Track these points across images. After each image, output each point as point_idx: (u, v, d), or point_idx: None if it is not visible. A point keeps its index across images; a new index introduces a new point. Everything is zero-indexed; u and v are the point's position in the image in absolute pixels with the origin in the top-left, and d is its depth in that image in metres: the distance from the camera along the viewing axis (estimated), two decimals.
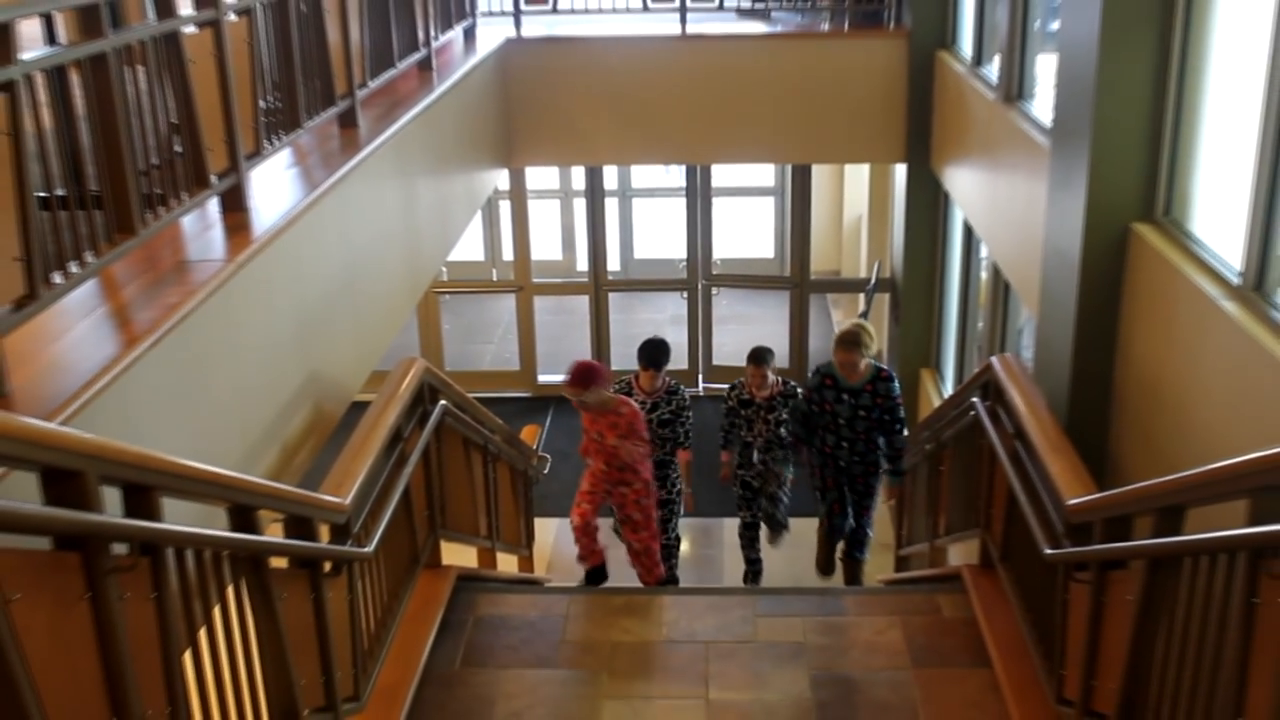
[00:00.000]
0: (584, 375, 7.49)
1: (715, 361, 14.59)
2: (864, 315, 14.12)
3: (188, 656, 3.65)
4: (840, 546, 9.11)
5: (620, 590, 7.55)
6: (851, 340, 8.07)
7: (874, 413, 8.21)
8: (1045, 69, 8.29)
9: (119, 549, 3.23)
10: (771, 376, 8.94)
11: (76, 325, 4.29)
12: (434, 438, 6.93)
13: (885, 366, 8.48)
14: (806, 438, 8.63)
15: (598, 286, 14.51)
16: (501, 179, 13.14)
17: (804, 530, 9.27)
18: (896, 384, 8.32)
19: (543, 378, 14.58)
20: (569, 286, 16.17)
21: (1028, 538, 5.58)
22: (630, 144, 12.43)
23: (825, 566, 9.13)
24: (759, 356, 8.95)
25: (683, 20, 12.24)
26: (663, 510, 8.80)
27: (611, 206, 16.73)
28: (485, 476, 8.04)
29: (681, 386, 8.98)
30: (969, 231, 10.96)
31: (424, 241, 8.46)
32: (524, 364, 14.68)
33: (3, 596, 2.68)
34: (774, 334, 14.77)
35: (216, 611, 3.90)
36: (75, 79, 4.36)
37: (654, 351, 8.74)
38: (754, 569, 9.83)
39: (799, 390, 8.96)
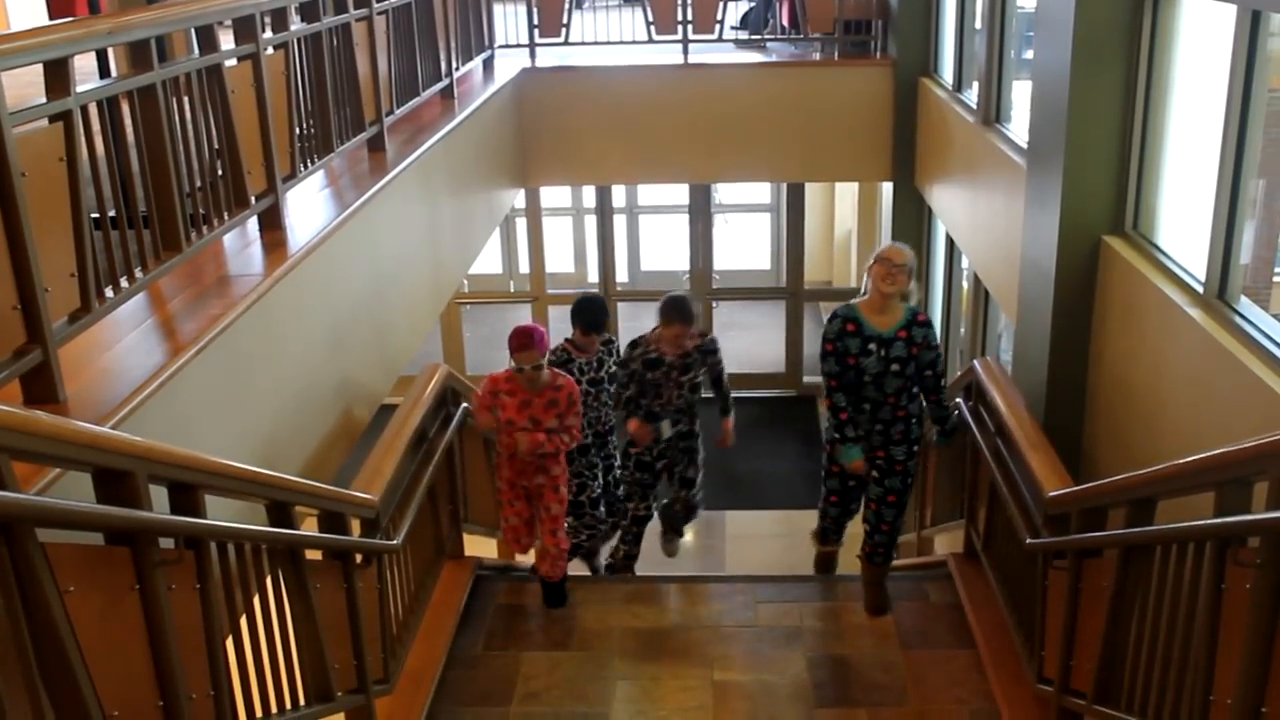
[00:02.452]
0: (530, 337, 6.11)
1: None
2: None
3: (229, 642, 3.65)
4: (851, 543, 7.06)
5: (629, 579, 7.52)
6: (899, 261, 6.02)
7: (909, 366, 6.04)
8: (1021, 94, 8.27)
9: (166, 543, 3.22)
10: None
11: (126, 336, 4.28)
12: (456, 438, 6.93)
13: (921, 310, 6.31)
14: (849, 405, 6.18)
15: (607, 296, 14.44)
16: (518, 198, 13.14)
17: (801, 521, 9.16)
18: (935, 329, 6.40)
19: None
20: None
21: (1009, 528, 5.56)
22: (637, 165, 12.42)
23: (826, 565, 7.24)
24: (683, 311, 6.98)
25: (685, 51, 12.28)
26: (598, 502, 7.78)
27: (620, 223, 16.72)
28: None
29: (612, 338, 7.78)
30: (951, 244, 10.94)
31: (446, 256, 8.45)
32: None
33: (59, 588, 2.68)
34: (770, 340, 14.80)
35: (256, 601, 3.90)
36: (125, 109, 4.36)
37: (595, 313, 7.45)
38: (628, 562, 7.93)
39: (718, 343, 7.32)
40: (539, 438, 6.31)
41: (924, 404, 6.37)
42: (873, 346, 6.00)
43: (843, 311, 6.13)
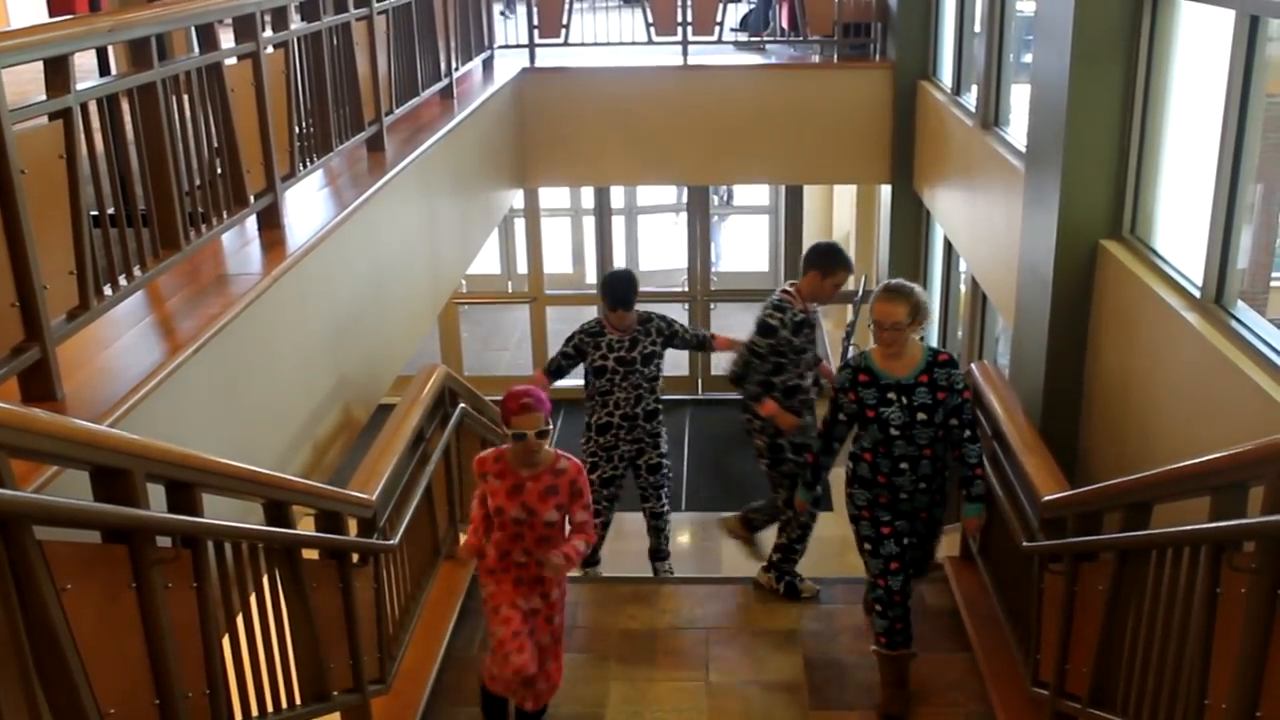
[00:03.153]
0: (533, 396, 5.08)
1: (714, 372, 14.52)
2: (852, 325, 14.08)
3: (226, 641, 3.65)
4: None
5: (628, 580, 7.51)
6: (896, 291, 5.39)
7: (937, 413, 5.33)
8: (1019, 98, 8.28)
9: (163, 542, 3.22)
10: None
11: (125, 334, 4.29)
12: (454, 438, 6.94)
13: (943, 350, 5.58)
14: (824, 449, 5.75)
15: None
16: (517, 198, 13.14)
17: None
18: (959, 371, 5.51)
19: (554, 384, 14.47)
20: (579, 298, 16.12)
21: (1005, 532, 5.56)
22: (636, 166, 12.43)
23: (893, 705, 5.61)
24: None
25: (685, 52, 12.26)
26: (654, 476, 7.56)
27: (618, 224, 16.73)
28: None
29: (650, 312, 7.46)
30: (949, 247, 10.95)
31: (445, 256, 8.45)
32: (537, 369, 14.63)
33: (56, 585, 2.68)
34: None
35: (253, 599, 3.90)
36: (125, 107, 4.36)
37: (628, 289, 7.27)
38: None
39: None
40: (567, 554, 5.12)
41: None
42: (892, 395, 5.30)
43: (854, 360, 5.48)
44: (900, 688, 5.60)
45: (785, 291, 6.58)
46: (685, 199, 14.77)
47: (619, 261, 15.82)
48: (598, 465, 7.39)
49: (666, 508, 7.77)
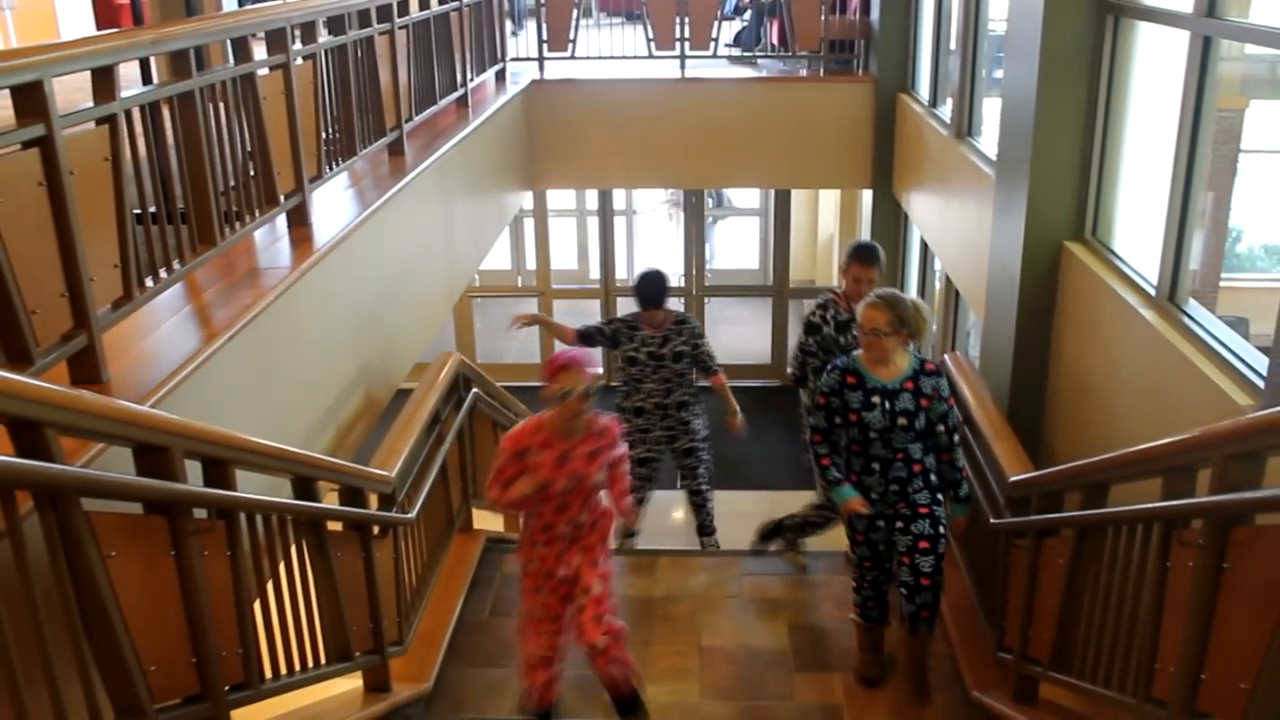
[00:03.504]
0: (575, 358, 4.74)
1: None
2: None
3: (257, 605, 3.67)
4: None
5: (624, 551, 7.53)
6: (881, 300, 5.08)
7: (917, 419, 5.03)
8: (990, 110, 8.28)
9: (199, 513, 3.24)
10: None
11: (165, 322, 4.30)
12: (467, 420, 6.95)
13: (930, 359, 5.25)
14: (833, 452, 5.21)
15: (608, 291, 14.53)
16: (526, 199, 13.14)
17: (784, 501, 9.12)
18: (946, 380, 5.23)
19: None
20: (583, 291, 16.10)
21: (974, 510, 5.57)
22: (637, 170, 12.42)
23: (869, 669, 5.59)
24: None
25: (682, 66, 12.27)
26: (688, 459, 7.37)
27: (620, 224, 16.73)
28: None
29: (687, 314, 7.53)
30: (925, 248, 10.95)
31: (459, 252, 8.45)
32: (544, 357, 14.65)
33: (102, 553, 2.70)
34: (758, 334, 14.79)
35: (282, 567, 3.92)
36: (166, 113, 4.37)
37: (656, 289, 7.17)
38: None
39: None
40: (626, 507, 5.10)
41: (936, 462, 5.25)
42: (876, 399, 5.02)
43: (842, 363, 5.16)
44: (875, 653, 5.56)
45: (832, 292, 6.51)
46: (672, 197, 14.73)
47: (620, 258, 15.80)
48: (633, 445, 7.14)
49: (705, 487, 7.51)
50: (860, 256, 6.23)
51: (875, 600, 5.45)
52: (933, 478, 5.18)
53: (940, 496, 5.20)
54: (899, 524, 5.16)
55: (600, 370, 4.81)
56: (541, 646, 4.99)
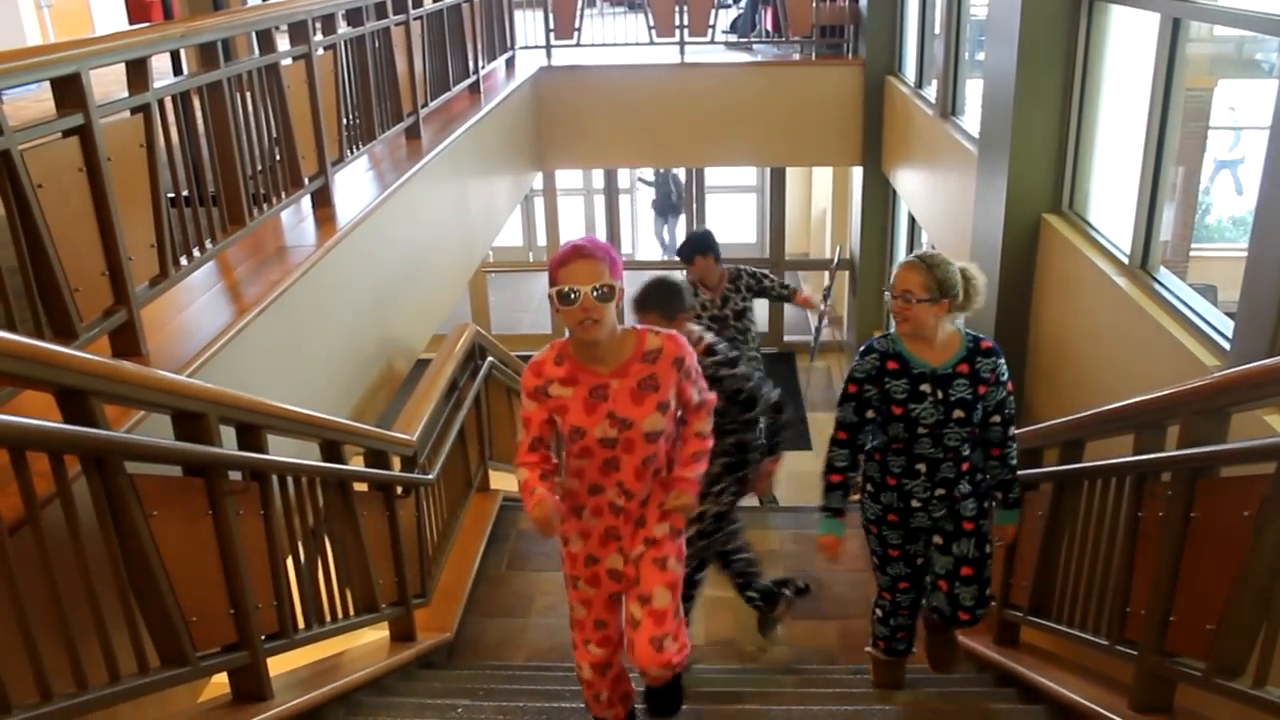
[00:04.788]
0: (583, 245, 3.04)
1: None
2: (829, 290, 14.09)
3: (289, 561, 3.70)
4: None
5: None
6: (918, 260, 3.74)
7: (974, 411, 3.78)
8: (973, 91, 8.26)
9: (234, 475, 3.27)
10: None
11: (199, 298, 4.31)
12: (483, 387, 6.97)
13: (985, 336, 3.90)
14: (850, 463, 3.98)
15: None
16: (536, 180, 13.13)
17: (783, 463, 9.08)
18: (1004, 361, 3.86)
19: None
20: None
21: None
22: (639, 151, 12.40)
23: (888, 680, 4.43)
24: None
25: (682, 51, 12.24)
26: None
27: (624, 202, 16.71)
28: None
29: (740, 268, 6.66)
30: (912, 221, 10.94)
31: (474, 230, 8.45)
32: (555, 328, 14.66)
33: (145, 512, 2.73)
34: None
35: (312, 525, 3.95)
36: (196, 102, 4.37)
37: (685, 246, 6.48)
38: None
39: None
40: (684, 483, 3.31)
41: (985, 457, 3.99)
42: (926, 388, 3.74)
43: (880, 344, 3.83)
44: (895, 685, 4.44)
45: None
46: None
47: (625, 233, 15.78)
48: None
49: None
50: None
51: (906, 631, 4.26)
52: (980, 478, 3.97)
53: (986, 504, 4.00)
54: (938, 539, 4.01)
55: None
56: (590, 658, 3.49)
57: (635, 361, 3.17)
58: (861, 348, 3.86)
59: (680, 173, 16.75)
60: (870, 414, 3.85)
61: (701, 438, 3.37)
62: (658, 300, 4.31)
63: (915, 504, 3.92)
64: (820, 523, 4.03)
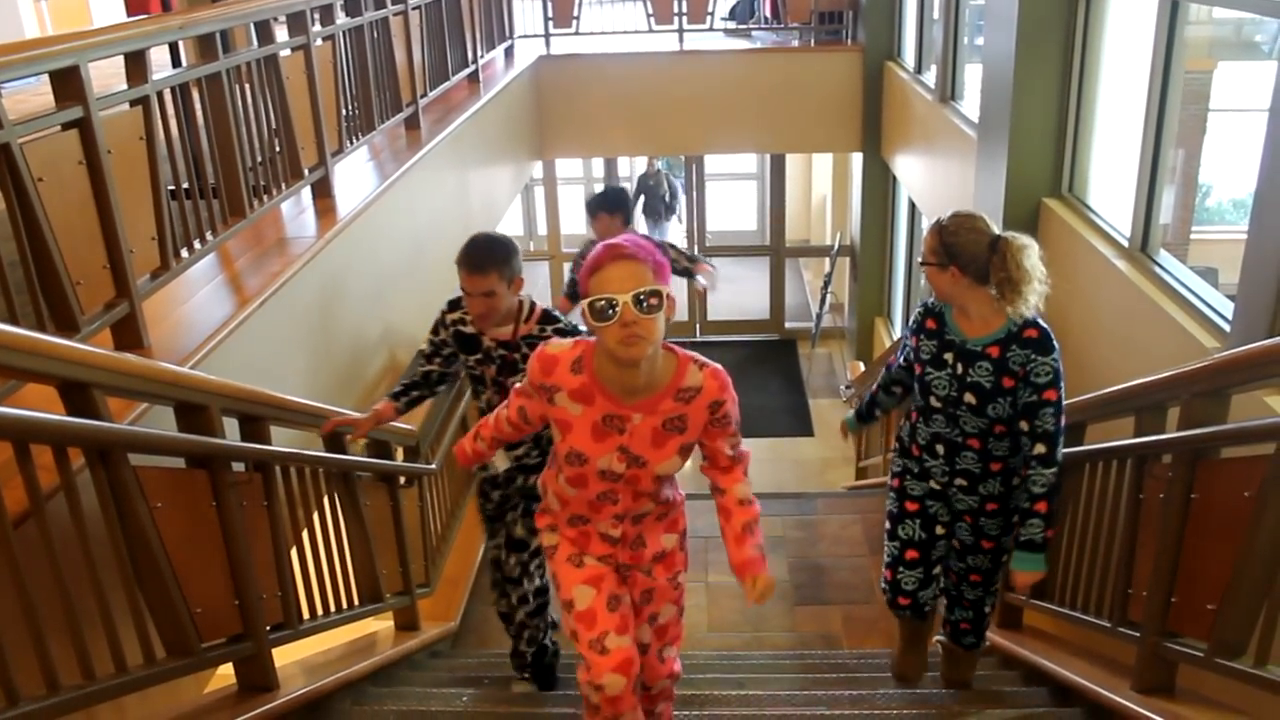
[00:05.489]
0: (641, 246, 2.51)
1: (710, 317, 14.51)
2: (829, 277, 14.09)
3: (294, 551, 3.71)
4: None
5: None
6: (936, 223, 3.38)
7: (995, 404, 3.32)
8: (972, 76, 8.24)
9: (238, 467, 3.27)
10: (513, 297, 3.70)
11: (200, 290, 4.32)
12: None
13: (1039, 322, 3.34)
14: (867, 412, 4.00)
15: None
16: (536, 168, 13.12)
17: (783, 449, 9.12)
18: (1057, 354, 3.31)
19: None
20: None
21: None
22: (638, 139, 12.39)
23: (906, 668, 4.10)
24: (482, 256, 3.58)
25: (680, 39, 12.21)
26: None
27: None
28: None
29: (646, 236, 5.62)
30: (912, 206, 10.93)
31: (474, 219, 8.45)
32: (559, 297, 14.64)
33: (149, 504, 2.73)
34: (756, 291, 14.76)
35: (315, 516, 3.96)
36: (195, 94, 4.37)
37: (594, 202, 5.78)
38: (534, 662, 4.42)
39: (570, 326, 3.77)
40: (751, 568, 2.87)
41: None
42: (949, 357, 3.39)
43: (932, 303, 3.51)
44: (915, 646, 4.07)
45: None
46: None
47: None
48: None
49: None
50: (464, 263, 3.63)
51: (916, 599, 3.76)
52: (1015, 482, 3.49)
53: (1015, 519, 3.48)
54: (955, 543, 3.68)
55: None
56: (610, 660, 2.88)
57: (667, 399, 2.65)
58: (919, 307, 3.59)
59: (662, 165, 16.72)
60: (903, 361, 3.67)
61: (746, 505, 2.92)
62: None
63: (935, 485, 3.59)
64: (849, 420, 4.15)
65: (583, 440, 2.70)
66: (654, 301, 2.44)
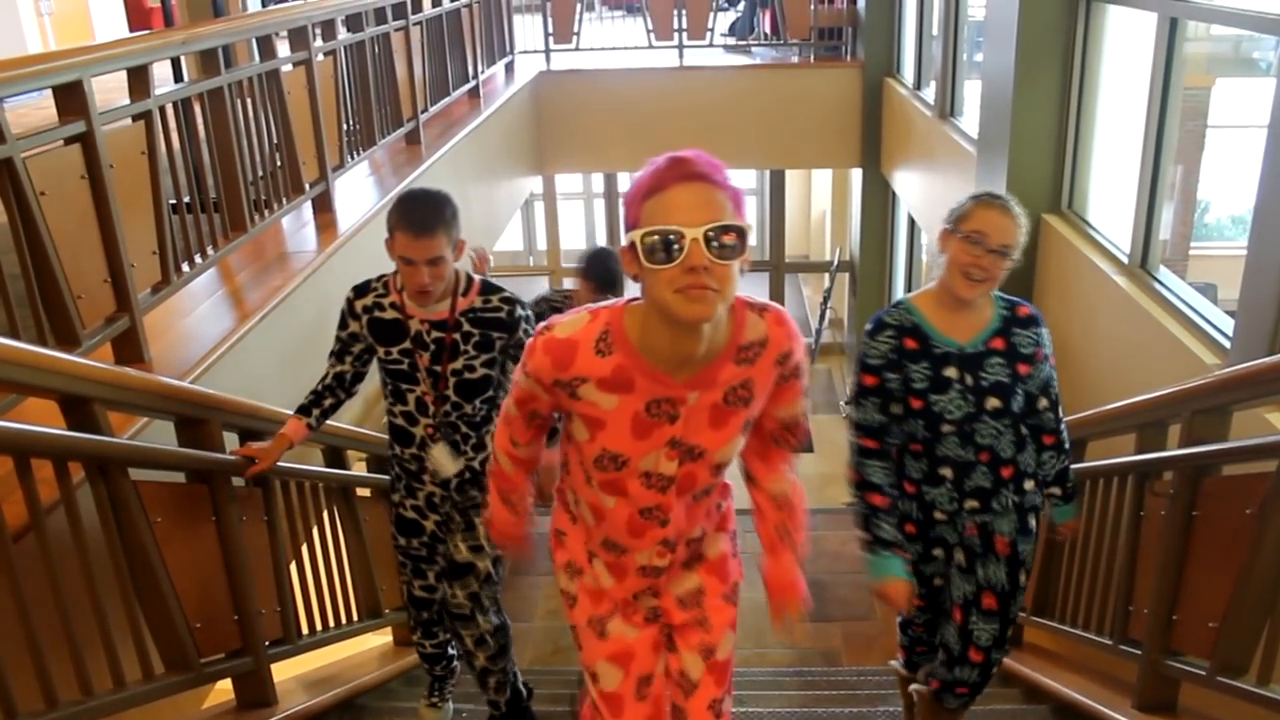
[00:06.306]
0: (714, 164, 1.90)
1: None
2: (828, 292, 14.10)
3: (293, 566, 3.70)
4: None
5: None
6: (998, 243, 2.83)
7: (1014, 398, 2.90)
8: (971, 92, 8.26)
9: (238, 482, 3.27)
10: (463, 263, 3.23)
11: (201, 304, 4.31)
12: None
13: (1021, 301, 3.10)
14: (889, 481, 2.96)
15: None
16: (536, 184, 13.13)
17: None
18: (1047, 330, 3.05)
19: None
20: None
21: None
22: (639, 155, 12.28)
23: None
24: (428, 215, 3.04)
25: (680, 55, 12.23)
26: None
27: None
28: None
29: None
30: (912, 222, 10.95)
31: (474, 234, 8.40)
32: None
33: (149, 518, 2.73)
34: None
35: (315, 531, 3.95)
36: (197, 108, 4.38)
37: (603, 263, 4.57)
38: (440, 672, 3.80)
39: (529, 309, 3.26)
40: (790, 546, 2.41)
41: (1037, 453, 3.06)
42: (951, 373, 2.87)
43: (894, 316, 2.94)
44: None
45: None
46: None
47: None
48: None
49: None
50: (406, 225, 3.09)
51: (928, 645, 3.40)
52: (1028, 486, 3.02)
53: (1032, 522, 3.07)
54: (961, 557, 3.07)
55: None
56: None
57: (728, 363, 2.01)
58: (869, 324, 2.98)
59: None
60: (896, 409, 2.91)
61: (786, 500, 2.37)
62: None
63: (939, 516, 3.00)
64: (872, 563, 2.92)
65: (620, 438, 2.03)
66: (731, 241, 1.80)
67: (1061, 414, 3.10)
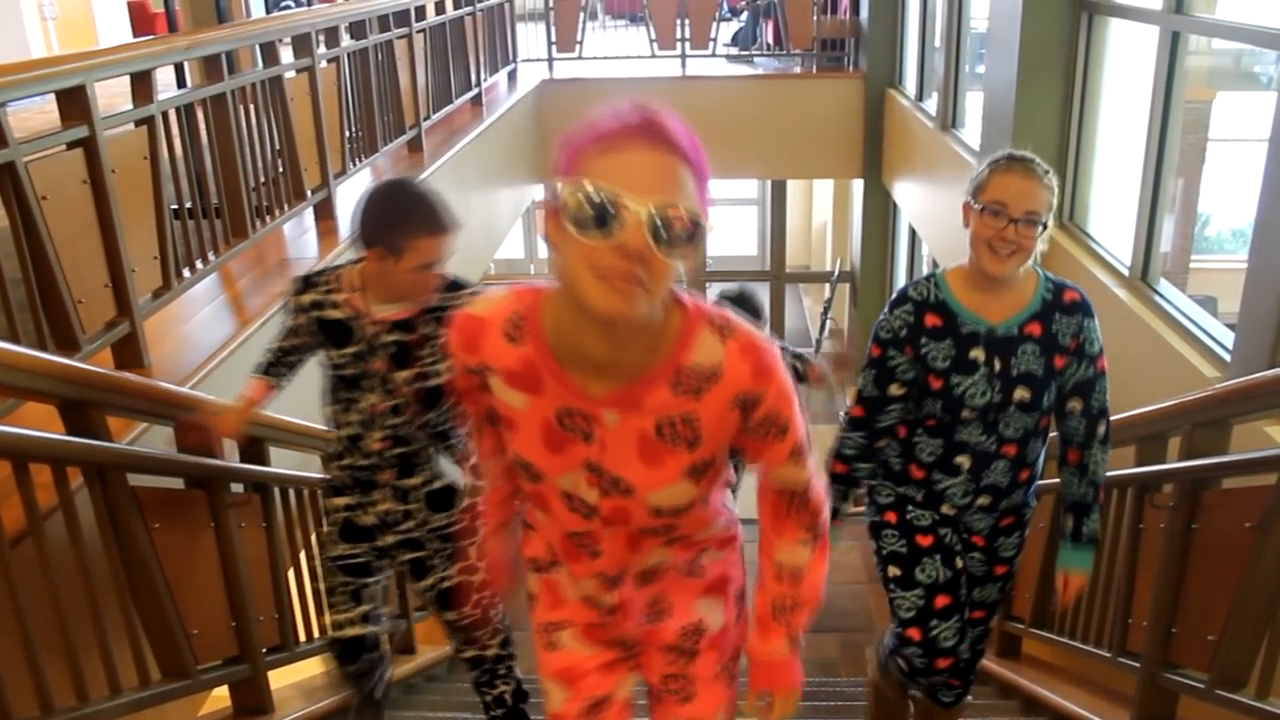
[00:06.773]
0: (660, 118, 1.60)
1: None
2: (829, 303, 14.10)
3: (291, 573, 3.69)
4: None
5: None
6: (1022, 210, 2.57)
7: (1047, 391, 2.59)
8: (973, 103, 8.26)
9: (236, 487, 3.26)
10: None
11: (202, 310, 4.31)
12: None
13: (1072, 285, 2.71)
14: (864, 449, 2.74)
15: None
16: (537, 192, 13.13)
17: None
18: (1097, 324, 2.69)
19: None
20: None
21: None
22: None
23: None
24: (446, 211, 2.72)
25: (683, 64, 12.26)
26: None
27: None
28: None
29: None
30: (913, 233, 10.95)
31: (476, 241, 8.45)
32: None
33: (147, 524, 2.72)
34: None
35: (313, 538, 3.94)
36: (200, 114, 4.38)
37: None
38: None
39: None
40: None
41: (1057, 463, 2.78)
42: (978, 355, 2.58)
43: (918, 290, 2.70)
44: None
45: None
46: None
47: None
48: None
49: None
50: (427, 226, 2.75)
51: (953, 647, 2.81)
52: (1031, 500, 2.83)
53: (1027, 533, 2.87)
54: (973, 562, 2.83)
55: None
56: None
57: (660, 385, 1.58)
58: (894, 294, 2.71)
59: None
60: (896, 389, 2.64)
61: (794, 578, 1.95)
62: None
63: (947, 510, 2.72)
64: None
65: (531, 448, 1.66)
66: (682, 230, 1.42)
67: (1103, 432, 2.70)
